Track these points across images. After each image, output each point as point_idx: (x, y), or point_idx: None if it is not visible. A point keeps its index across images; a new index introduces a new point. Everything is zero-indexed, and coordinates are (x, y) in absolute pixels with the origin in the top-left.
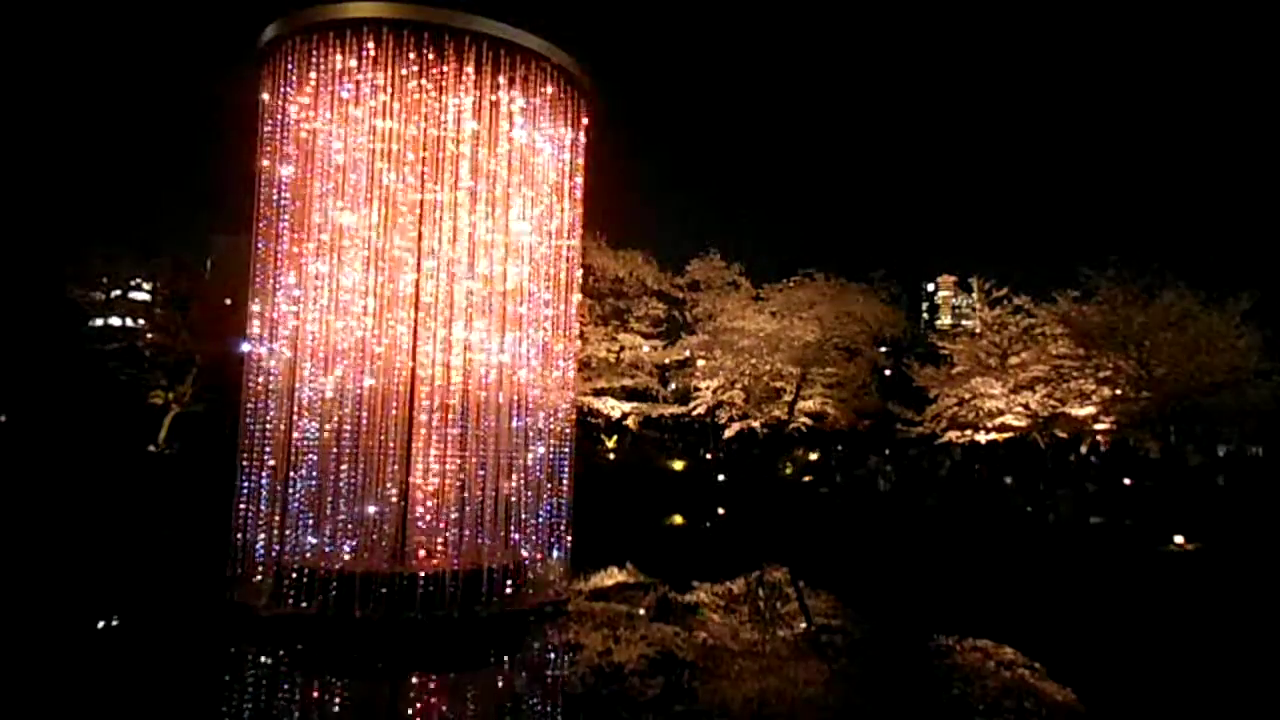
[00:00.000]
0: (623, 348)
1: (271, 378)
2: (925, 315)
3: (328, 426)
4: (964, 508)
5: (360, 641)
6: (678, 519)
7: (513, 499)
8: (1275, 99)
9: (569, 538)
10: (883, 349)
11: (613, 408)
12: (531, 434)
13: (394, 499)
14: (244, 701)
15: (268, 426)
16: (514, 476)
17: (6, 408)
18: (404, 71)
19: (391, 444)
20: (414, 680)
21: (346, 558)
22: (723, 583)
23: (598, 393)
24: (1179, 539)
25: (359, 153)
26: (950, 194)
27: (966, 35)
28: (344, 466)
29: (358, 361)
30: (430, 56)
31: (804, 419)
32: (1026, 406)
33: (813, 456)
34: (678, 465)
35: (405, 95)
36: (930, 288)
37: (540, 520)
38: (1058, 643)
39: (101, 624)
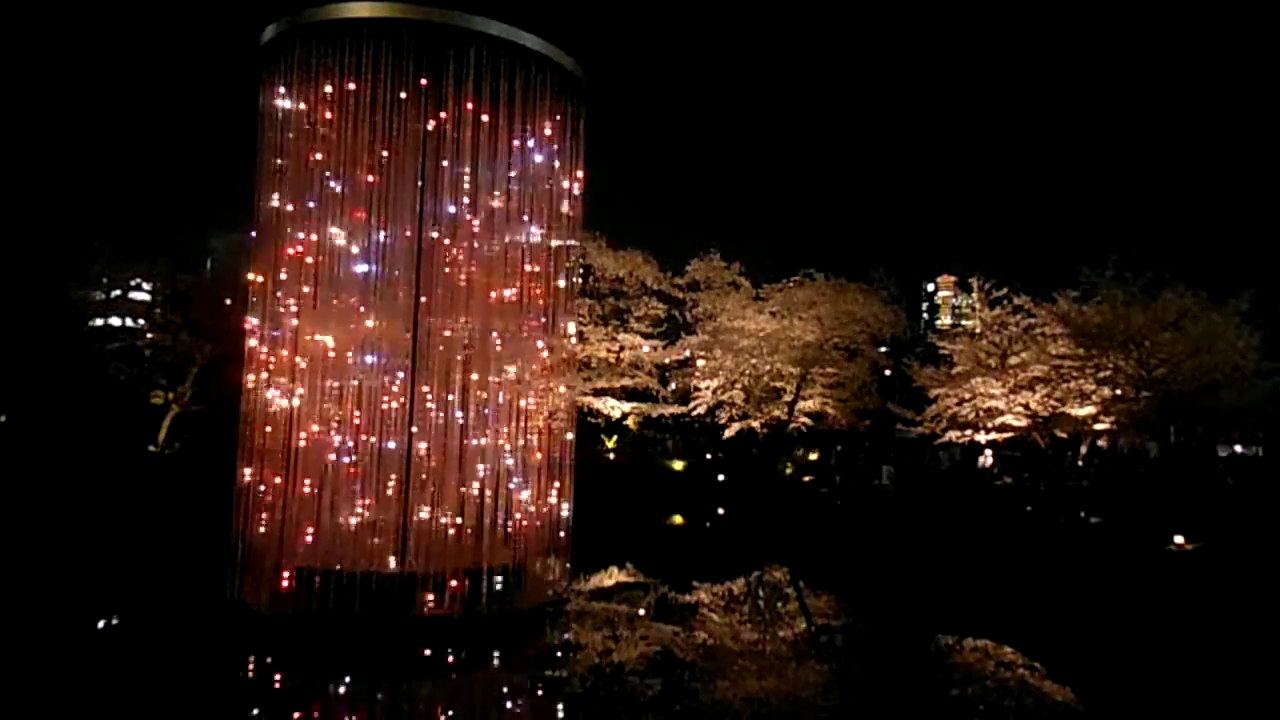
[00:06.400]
0: (623, 348)
1: (271, 378)
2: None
3: (328, 426)
4: (964, 508)
5: (360, 641)
6: (678, 519)
7: (512, 499)
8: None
9: (569, 538)
10: (883, 349)
11: (613, 408)
12: (531, 435)
13: (394, 499)
14: (244, 700)
15: (268, 426)
16: (514, 477)
17: (6, 408)
18: (403, 71)
19: (392, 444)
20: (414, 680)
21: (347, 557)
22: (723, 583)
23: (598, 393)
24: (1179, 539)
25: (359, 151)
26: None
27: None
28: (344, 466)
29: (357, 361)
30: (430, 57)
31: (804, 419)
32: (1026, 406)
33: (813, 456)
34: (678, 465)
35: (405, 95)
36: (930, 288)
37: (540, 520)
38: (1057, 642)
39: (103, 623)
